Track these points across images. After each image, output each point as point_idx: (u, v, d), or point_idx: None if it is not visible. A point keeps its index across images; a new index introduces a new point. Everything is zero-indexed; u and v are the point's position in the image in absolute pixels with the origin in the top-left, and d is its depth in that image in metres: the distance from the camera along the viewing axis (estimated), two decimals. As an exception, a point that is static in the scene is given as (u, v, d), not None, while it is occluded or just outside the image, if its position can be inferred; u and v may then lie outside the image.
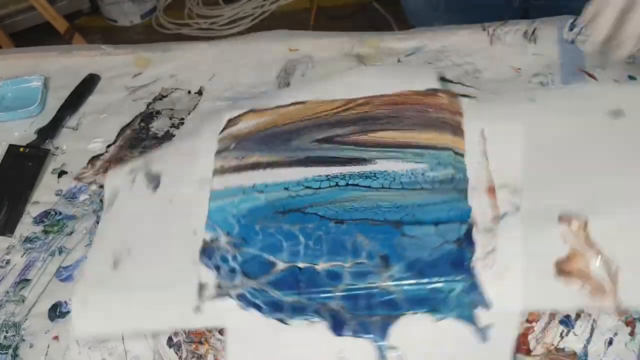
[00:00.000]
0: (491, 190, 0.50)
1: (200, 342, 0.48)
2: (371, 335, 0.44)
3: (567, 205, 0.47)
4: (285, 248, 0.48)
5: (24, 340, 0.50)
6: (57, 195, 0.63)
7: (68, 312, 0.52)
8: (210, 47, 0.78)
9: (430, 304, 0.44)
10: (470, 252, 0.46)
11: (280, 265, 0.47)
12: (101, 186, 0.62)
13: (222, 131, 0.58)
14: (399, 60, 0.70)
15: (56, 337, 0.50)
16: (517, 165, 0.52)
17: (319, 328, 0.45)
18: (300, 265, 0.47)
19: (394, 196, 0.50)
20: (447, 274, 0.45)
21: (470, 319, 0.44)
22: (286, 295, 0.46)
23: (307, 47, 0.75)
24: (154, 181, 0.55)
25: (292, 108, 0.59)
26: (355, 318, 0.44)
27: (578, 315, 0.46)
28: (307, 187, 0.52)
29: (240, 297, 0.46)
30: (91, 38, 2.09)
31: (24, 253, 0.57)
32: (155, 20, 2.23)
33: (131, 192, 0.55)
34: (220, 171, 0.54)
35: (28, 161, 0.65)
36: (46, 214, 0.61)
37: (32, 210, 0.61)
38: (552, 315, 0.46)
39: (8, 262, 0.57)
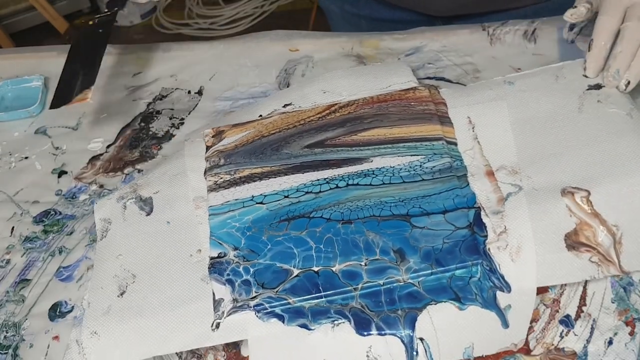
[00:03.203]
0: (490, 173, 0.51)
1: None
2: (395, 331, 0.44)
3: (568, 180, 0.49)
4: (297, 254, 0.48)
5: (24, 340, 0.50)
6: (57, 195, 0.63)
7: (68, 311, 0.52)
8: (210, 47, 0.78)
9: (453, 292, 0.45)
10: (483, 236, 0.47)
11: (296, 272, 0.47)
12: (101, 186, 0.62)
13: (207, 149, 0.58)
14: (398, 59, 0.70)
15: (56, 337, 0.50)
16: (510, 146, 0.53)
17: (344, 328, 0.44)
18: (315, 269, 0.47)
19: (397, 191, 0.51)
20: (465, 260, 0.46)
21: (493, 305, 0.44)
22: (306, 300, 0.45)
23: (307, 47, 0.75)
24: (147, 205, 0.54)
25: (275, 117, 0.59)
26: (378, 315, 0.44)
27: (578, 315, 0.46)
28: (307, 193, 0.52)
29: (259, 309, 0.45)
30: (91, 38, 2.09)
31: (24, 253, 0.57)
32: (155, 20, 2.23)
33: (124, 219, 0.54)
34: (214, 188, 0.54)
35: (98, 29, 0.64)
36: (46, 213, 0.61)
37: (32, 210, 0.61)
38: (552, 315, 0.46)
39: (8, 262, 0.57)
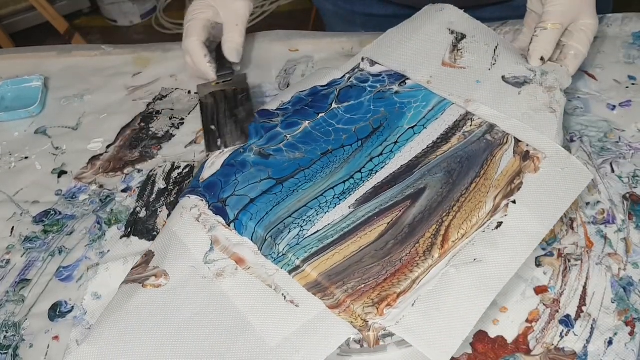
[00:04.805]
0: None
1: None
2: None
3: None
4: None
5: (24, 340, 0.50)
6: (57, 195, 0.63)
7: (68, 312, 0.52)
8: (210, 47, 0.78)
9: None
10: None
11: None
12: (101, 186, 0.62)
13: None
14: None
15: (56, 337, 0.50)
16: None
17: None
18: None
19: None
20: None
21: None
22: None
23: (307, 47, 0.75)
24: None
25: None
26: None
27: (578, 315, 0.46)
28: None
29: None
30: (91, 38, 2.10)
31: (24, 253, 0.57)
32: (155, 20, 2.23)
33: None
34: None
35: (232, 86, 0.65)
36: (46, 213, 0.61)
37: (32, 210, 0.61)
38: (552, 315, 0.46)
39: (8, 262, 0.57)
